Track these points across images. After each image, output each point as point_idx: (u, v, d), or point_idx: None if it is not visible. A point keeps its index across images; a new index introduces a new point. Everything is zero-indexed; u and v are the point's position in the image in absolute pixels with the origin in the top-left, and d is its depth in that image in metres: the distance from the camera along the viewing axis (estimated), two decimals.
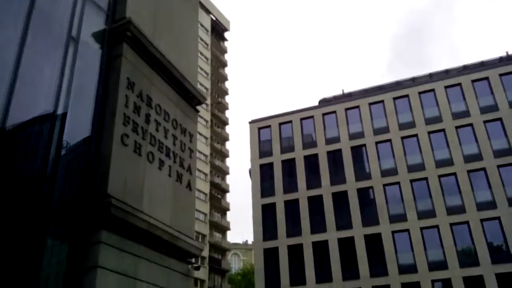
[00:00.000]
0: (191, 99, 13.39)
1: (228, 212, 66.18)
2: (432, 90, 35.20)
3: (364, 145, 35.31)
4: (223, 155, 68.85)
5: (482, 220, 30.21)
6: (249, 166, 38.99)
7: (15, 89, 7.72)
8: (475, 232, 29.95)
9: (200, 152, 56.05)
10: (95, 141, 9.59)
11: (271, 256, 34.22)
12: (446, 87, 34.89)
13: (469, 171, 31.88)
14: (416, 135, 34.17)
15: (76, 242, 8.66)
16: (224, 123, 70.87)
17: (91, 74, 10.03)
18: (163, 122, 11.61)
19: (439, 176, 32.33)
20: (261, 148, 38.58)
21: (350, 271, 31.49)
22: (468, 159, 32.17)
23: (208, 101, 61.98)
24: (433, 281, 29.78)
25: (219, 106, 70.04)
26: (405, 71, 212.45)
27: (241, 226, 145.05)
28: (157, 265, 10.30)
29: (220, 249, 61.37)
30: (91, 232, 8.78)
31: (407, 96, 35.73)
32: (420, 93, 35.47)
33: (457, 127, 33.42)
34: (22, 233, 7.78)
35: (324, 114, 37.70)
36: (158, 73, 11.76)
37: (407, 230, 31.49)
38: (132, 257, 9.44)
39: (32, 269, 7.64)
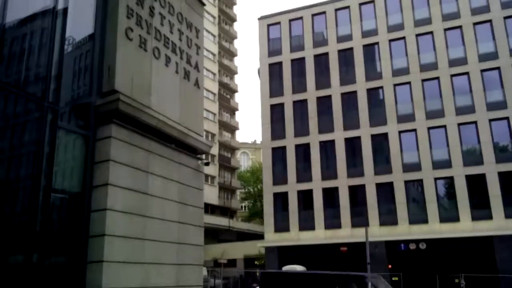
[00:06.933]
0: None
1: (237, 112, 66.74)
2: None
3: (377, 43, 34.08)
4: (232, 54, 67.34)
5: (490, 120, 30.08)
6: (258, 66, 38.32)
7: None
8: (482, 132, 30.00)
9: (207, 51, 54.76)
10: (100, 36, 9.29)
11: (279, 154, 35.10)
12: None
13: (482, 70, 31.01)
14: (431, 32, 32.72)
15: (88, 138, 8.80)
16: (232, 19, 68.16)
17: None
18: (168, 15, 11.12)
19: (452, 76, 31.61)
20: (270, 46, 37.53)
21: (355, 169, 32.37)
22: (482, 58, 31.15)
23: None
24: (436, 179, 30.56)
25: (227, 1, 66.86)
26: None
27: (250, 126, 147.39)
28: (168, 160, 10.57)
29: (229, 148, 62.96)
30: (101, 128, 8.88)
31: None
32: None
33: (475, 24, 31.85)
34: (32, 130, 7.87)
35: (336, 10, 35.92)
36: None
37: (414, 130, 31.64)
38: (144, 152, 9.65)
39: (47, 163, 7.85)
